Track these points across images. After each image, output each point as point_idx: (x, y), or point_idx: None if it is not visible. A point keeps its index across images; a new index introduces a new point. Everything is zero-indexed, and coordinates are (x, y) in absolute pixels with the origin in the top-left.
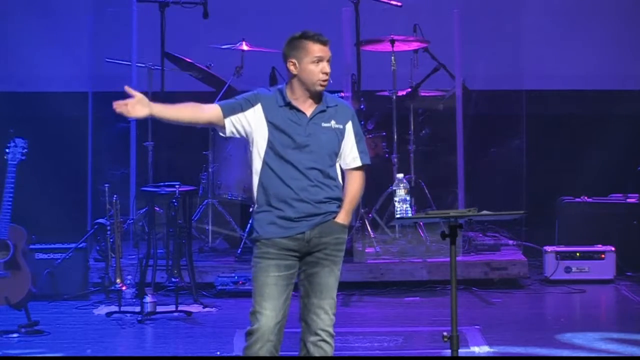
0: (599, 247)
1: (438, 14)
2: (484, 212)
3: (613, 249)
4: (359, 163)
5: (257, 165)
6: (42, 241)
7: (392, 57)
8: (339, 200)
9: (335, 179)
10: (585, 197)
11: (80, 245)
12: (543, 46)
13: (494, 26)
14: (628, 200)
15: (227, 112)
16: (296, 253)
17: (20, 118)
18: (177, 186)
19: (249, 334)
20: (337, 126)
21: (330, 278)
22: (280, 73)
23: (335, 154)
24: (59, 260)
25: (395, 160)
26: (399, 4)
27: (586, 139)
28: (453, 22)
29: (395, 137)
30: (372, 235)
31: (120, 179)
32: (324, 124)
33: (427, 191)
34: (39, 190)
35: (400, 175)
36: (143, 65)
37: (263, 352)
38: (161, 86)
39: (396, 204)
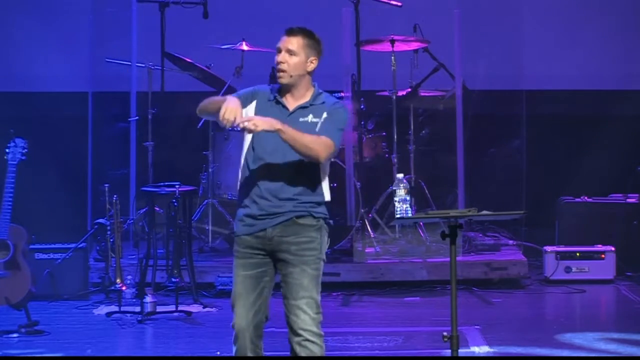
0: (599, 247)
1: (438, 14)
2: (484, 212)
3: (613, 249)
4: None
5: (242, 162)
6: (42, 241)
7: (392, 57)
8: (310, 202)
9: (308, 177)
10: (585, 197)
11: (80, 245)
12: (543, 46)
13: (494, 26)
14: (628, 200)
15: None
16: (262, 251)
17: (20, 118)
18: (177, 186)
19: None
20: (314, 120)
21: (303, 278)
22: None
23: None
24: (59, 260)
25: (395, 160)
26: (399, 4)
27: (586, 139)
28: (453, 22)
29: (395, 137)
30: (372, 235)
31: (120, 179)
32: (301, 119)
33: (427, 191)
34: (39, 190)
35: (400, 175)
36: (143, 65)
37: (242, 350)
38: (161, 86)
39: (396, 204)
